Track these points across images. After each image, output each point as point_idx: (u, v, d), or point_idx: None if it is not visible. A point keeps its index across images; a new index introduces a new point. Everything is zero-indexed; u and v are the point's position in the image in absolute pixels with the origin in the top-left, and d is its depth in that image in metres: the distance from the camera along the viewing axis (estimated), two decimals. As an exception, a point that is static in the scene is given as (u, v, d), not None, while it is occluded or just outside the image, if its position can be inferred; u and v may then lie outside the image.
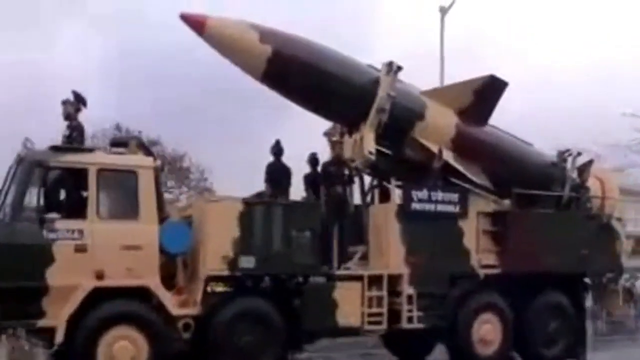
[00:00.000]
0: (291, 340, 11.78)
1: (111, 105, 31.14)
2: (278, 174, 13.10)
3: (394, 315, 12.55)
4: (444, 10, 25.59)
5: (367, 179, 14.25)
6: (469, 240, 13.16)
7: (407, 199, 12.70)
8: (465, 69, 18.32)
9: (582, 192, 14.71)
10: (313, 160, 13.52)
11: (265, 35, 12.13)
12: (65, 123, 11.41)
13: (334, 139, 13.25)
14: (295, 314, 11.75)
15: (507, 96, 13.68)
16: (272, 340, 11.49)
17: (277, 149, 13.17)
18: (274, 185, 13.02)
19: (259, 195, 13.33)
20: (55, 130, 11.99)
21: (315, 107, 13.09)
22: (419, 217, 12.68)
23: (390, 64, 12.96)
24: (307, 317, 11.76)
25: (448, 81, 24.30)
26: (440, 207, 12.89)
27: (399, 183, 12.92)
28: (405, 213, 12.64)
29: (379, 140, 13.21)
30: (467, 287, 13.23)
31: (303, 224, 11.84)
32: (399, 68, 12.96)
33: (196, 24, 11.87)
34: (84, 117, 11.51)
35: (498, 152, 14.17)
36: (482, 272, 13.24)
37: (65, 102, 11.41)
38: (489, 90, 13.79)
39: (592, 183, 15.17)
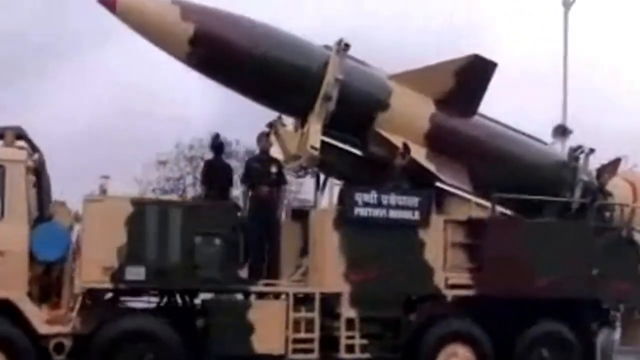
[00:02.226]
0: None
1: (212, 117, 31.46)
2: (216, 173, 11.37)
3: (332, 342, 10.43)
4: (567, 5, 22.69)
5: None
6: (432, 255, 10.73)
7: (349, 202, 10.51)
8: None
9: (599, 198, 11.88)
10: None
11: (189, 11, 10.40)
12: None
13: (263, 131, 11.30)
14: (199, 337, 9.92)
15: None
16: None
17: (216, 144, 11.45)
18: (211, 187, 11.30)
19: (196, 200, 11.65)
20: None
21: (257, 96, 11.20)
22: (364, 225, 10.47)
23: (339, 42, 10.90)
24: (214, 341, 9.87)
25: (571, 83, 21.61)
26: (394, 214, 10.57)
27: (339, 183, 10.75)
28: (346, 220, 10.45)
29: (334, 133, 11.22)
30: (429, 312, 10.88)
31: (210, 230, 9.95)
32: (347, 46, 10.86)
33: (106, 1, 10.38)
34: None
35: (488, 149, 11.73)
36: (449, 294, 10.83)
37: None
38: (474, 74, 11.41)
39: (620, 187, 12.33)
